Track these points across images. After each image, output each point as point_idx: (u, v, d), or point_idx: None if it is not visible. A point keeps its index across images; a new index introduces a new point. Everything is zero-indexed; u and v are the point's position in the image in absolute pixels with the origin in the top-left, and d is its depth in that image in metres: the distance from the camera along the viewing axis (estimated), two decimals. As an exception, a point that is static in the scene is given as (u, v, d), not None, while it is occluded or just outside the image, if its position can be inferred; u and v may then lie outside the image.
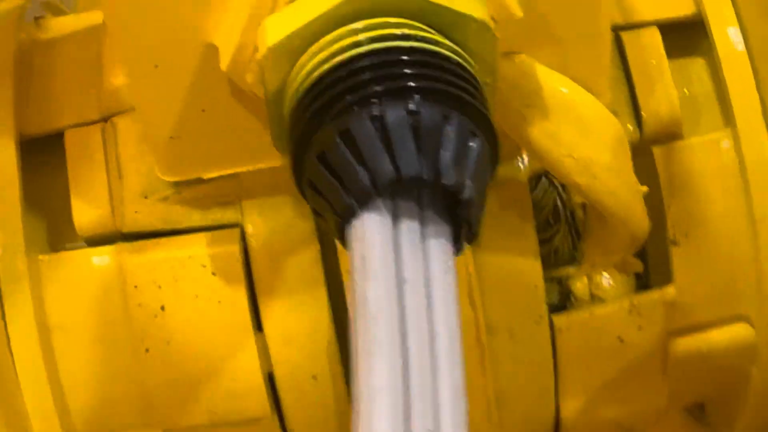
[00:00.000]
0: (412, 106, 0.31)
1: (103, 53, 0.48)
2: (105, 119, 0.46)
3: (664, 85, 0.47)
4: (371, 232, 0.31)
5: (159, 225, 0.45)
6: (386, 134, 0.31)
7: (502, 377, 0.49)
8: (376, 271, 0.30)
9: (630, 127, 0.47)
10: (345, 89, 0.32)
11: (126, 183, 0.45)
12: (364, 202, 0.31)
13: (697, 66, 0.49)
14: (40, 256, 0.45)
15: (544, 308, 0.48)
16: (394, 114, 0.31)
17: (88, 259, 0.45)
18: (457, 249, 0.32)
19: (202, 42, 0.37)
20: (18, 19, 0.50)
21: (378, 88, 0.32)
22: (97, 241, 0.46)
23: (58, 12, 0.57)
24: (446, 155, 0.31)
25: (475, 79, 0.34)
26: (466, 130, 0.32)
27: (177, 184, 0.45)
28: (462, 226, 0.32)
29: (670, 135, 0.48)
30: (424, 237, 0.32)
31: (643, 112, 0.47)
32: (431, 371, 0.30)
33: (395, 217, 0.31)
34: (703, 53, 0.49)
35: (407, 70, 0.32)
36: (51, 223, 0.47)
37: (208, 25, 0.37)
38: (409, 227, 0.31)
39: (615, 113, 0.44)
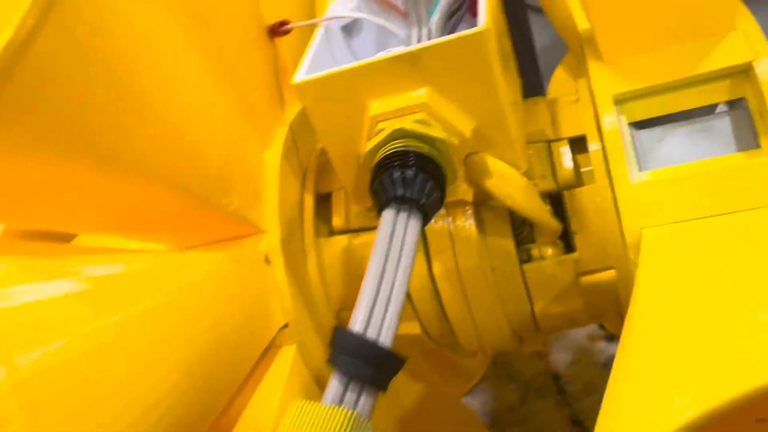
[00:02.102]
0: (407, 172, 0.73)
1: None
2: None
3: None
4: (389, 217, 0.63)
5: None
6: (396, 180, 0.72)
7: (503, 292, 0.79)
8: (384, 238, 0.61)
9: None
10: (387, 164, 0.73)
11: None
12: (387, 203, 0.69)
13: None
14: None
15: (517, 260, 0.77)
16: (399, 174, 0.72)
17: None
18: (425, 223, 0.65)
19: (358, 152, 0.71)
20: None
21: (396, 163, 0.73)
22: None
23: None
24: (416, 188, 0.71)
25: (435, 162, 0.76)
26: (425, 179, 0.72)
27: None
28: (427, 216, 0.71)
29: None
30: (408, 220, 0.63)
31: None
32: (391, 283, 0.59)
33: (397, 211, 0.63)
34: None
35: (409, 160, 0.73)
36: None
37: (360, 145, 0.71)
38: (402, 216, 0.64)
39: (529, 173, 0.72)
